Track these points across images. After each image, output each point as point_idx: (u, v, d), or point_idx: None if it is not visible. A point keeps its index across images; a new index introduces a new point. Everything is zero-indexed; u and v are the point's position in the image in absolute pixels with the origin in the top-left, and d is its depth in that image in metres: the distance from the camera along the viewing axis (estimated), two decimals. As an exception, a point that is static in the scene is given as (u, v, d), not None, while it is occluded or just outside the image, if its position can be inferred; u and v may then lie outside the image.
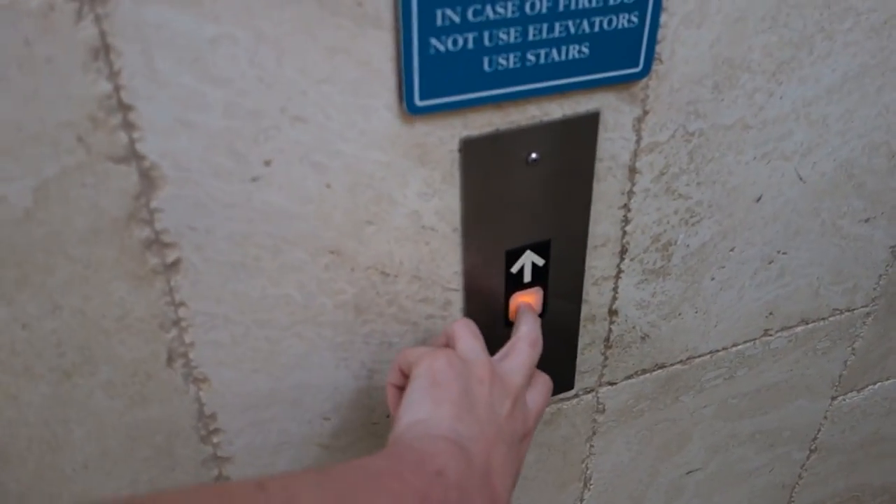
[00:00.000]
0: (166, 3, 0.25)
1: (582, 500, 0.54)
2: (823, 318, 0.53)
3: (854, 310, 0.54)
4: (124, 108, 0.27)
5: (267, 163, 0.30)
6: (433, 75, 0.30)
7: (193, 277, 0.31)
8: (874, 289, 0.53)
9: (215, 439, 0.37)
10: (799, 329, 0.53)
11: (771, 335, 0.52)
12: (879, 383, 0.62)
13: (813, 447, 0.64)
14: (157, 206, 0.29)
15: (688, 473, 0.58)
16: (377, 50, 0.29)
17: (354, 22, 0.28)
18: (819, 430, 0.63)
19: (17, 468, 0.33)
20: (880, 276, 0.53)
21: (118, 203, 0.28)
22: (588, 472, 0.53)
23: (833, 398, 0.61)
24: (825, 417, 0.62)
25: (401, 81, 0.30)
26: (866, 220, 0.48)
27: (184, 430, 0.36)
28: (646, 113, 0.36)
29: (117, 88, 0.26)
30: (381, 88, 0.30)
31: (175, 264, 0.31)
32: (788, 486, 0.66)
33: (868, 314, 0.55)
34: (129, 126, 0.27)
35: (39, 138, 0.26)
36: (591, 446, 0.51)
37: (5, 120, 0.25)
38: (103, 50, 0.25)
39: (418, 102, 0.30)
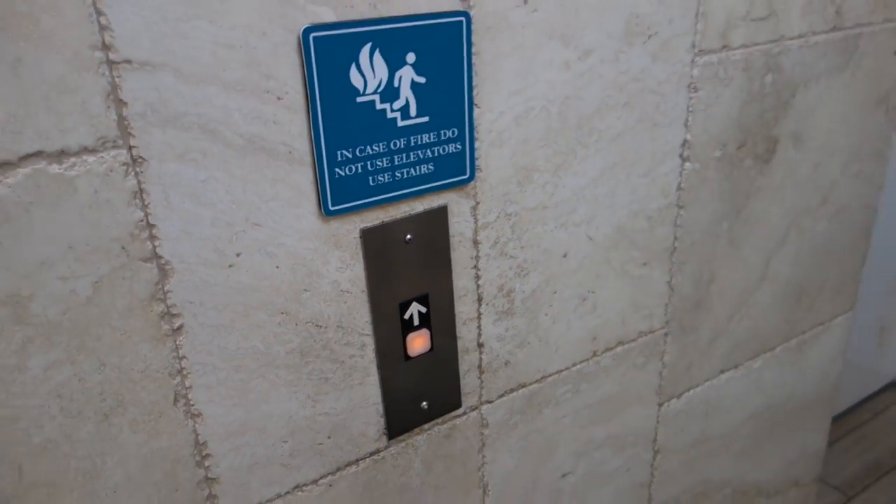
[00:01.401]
0: (176, 162, 0.43)
1: (483, 505, 0.70)
2: (633, 340, 0.73)
3: (654, 331, 0.75)
4: (150, 226, 0.43)
5: (238, 255, 0.47)
6: (338, 190, 0.48)
7: (192, 337, 0.47)
8: (664, 314, 0.75)
9: (207, 463, 0.51)
10: (618, 349, 0.73)
11: (598, 355, 0.71)
12: (692, 390, 0.83)
13: (656, 448, 0.83)
14: (169, 289, 0.45)
15: (562, 476, 0.75)
16: (303, 178, 0.47)
17: (288, 163, 0.46)
18: (656, 433, 0.82)
19: (64, 495, 0.46)
20: (665, 304, 0.74)
21: (144, 288, 0.44)
22: (484, 479, 0.68)
23: (660, 404, 0.80)
24: (658, 422, 0.81)
25: (318, 196, 0.48)
26: (644, 264, 0.70)
27: (184, 456, 0.50)
28: (478, 203, 0.56)
29: (147, 215, 0.43)
30: (306, 202, 0.48)
31: (179, 328, 0.46)
32: (646, 485, 0.84)
33: (666, 334, 0.76)
34: (152, 238, 0.43)
35: (98, 248, 0.42)
36: (483, 456, 0.67)
37: (78, 238, 0.41)
38: (139, 192, 0.42)
39: (331, 208, 0.49)
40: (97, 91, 0.39)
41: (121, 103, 0.40)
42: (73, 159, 0.39)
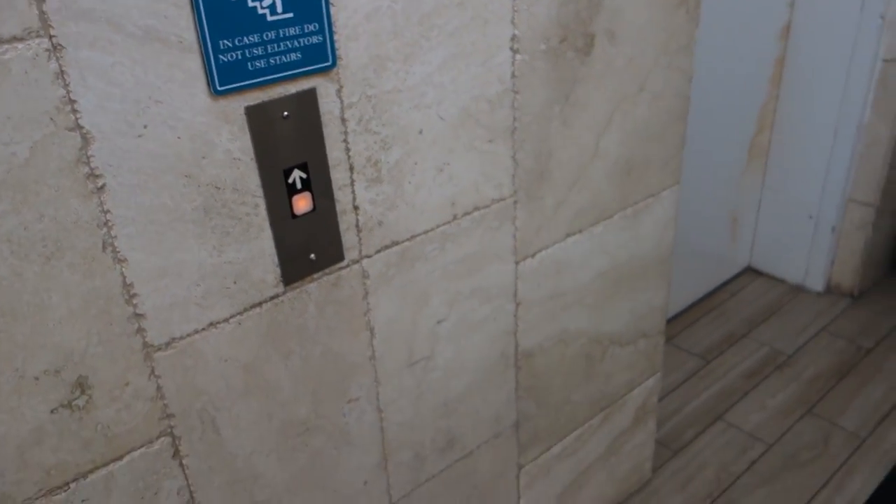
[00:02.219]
0: (88, 49, 0.54)
1: (372, 346, 0.85)
2: (487, 206, 0.90)
3: (505, 199, 0.91)
4: (72, 101, 0.55)
5: (145, 126, 0.59)
6: (223, 74, 0.61)
7: (113, 195, 0.59)
8: (512, 184, 0.91)
9: (134, 301, 0.64)
10: (475, 214, 0.89)
11: (458, 219, 0.87)
12: (544, 251, 1.00)
13: (518, 301, 1.01)
14: (91, 154, 0.57)
15: (438, 323, 0.91)
16: (193, 64, 0.59)
17: (179, 51, 0.58)
18: (516, 288, 0.99)
19: (21, 324, 0.58)
20: (512, 175, 0.90)
21: (71, 153, 0.56)
22: (371, 323, 0.84)
23: (517, 262, 0.97)
24: (517, 277, 0.99)
25: (207, 78, 0.60)
26: (490, 141, 0.86)
27: (115, 294, 0.62)
28: (341, 87, 0.70)
29: (68, 92, 0.54)
30: (198, 83, 0.60)
31: (102, 187, 0.58)
32: (511, 332, 1.02)
33: (515, 201, 0.93)
34: (74, 111, 0.55)
35: (31, 119, 0.53)
36: (368, 303, 0.82)
37: (15, 110, 0.52)
38: (61, 73, 0.53)
39: (218, 88, 0.61)
40: (19, -12, 0.50)
41: (41, 1, 0.51)
42: (5, 46, 0.50)
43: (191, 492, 0.74)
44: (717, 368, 1.75)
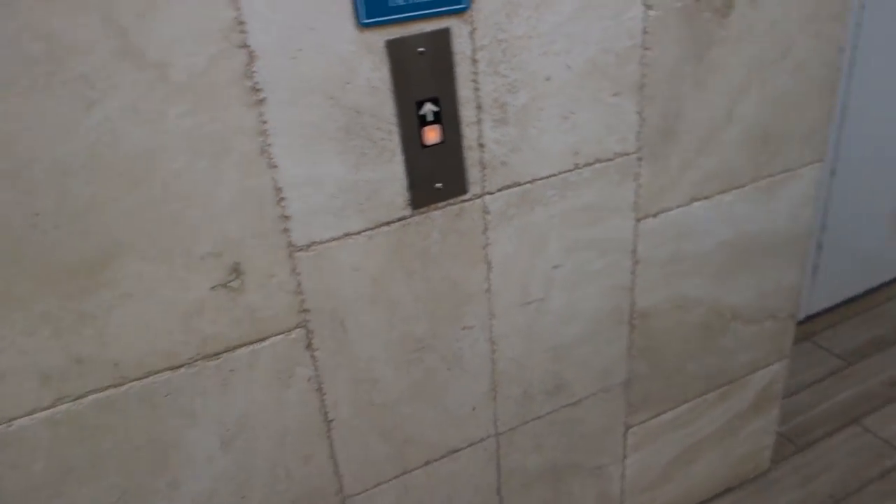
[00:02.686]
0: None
1: (489, 279, 0.92)
2: (610, 159, 0.93)
3: (628, 154, 0.94)
4: (241, 23, 0.66)
5: (299, 49, 0.69)
6: (369, 7, 0.70)
7: (270, 108, 0.70)
8: (636, 140, 0.94)
9: (283, 203, 0.74)
10: (597, 165, 0.92)
11: (580, 168, 0.91)
12: (666, 213, 1.02)
13: (635, 259, 1.03)
14: (255, 70, 0.68)
15: (553, 268, 0.96)
16: (344, 1, 0.69)
17: (335, -15, 0.68)
18: (635, 245, 1.02)
19: (191, 208, 0.70)
20: (637, 131, 0.93)
21: (239, 67, 0.67)
22: (488, 257, 0.90)
23: (637, 220, 1.00)
24: (636, 235, 1.01)
25: (355, 10, 0.70)
26: (615, 94, 0.89)
27: (268, 195, 0.73)
28: (474, 29, 0.77)
29: (239, 14, 0.65)
30: (347, 15, 0.69)
31: (263, 100, 0.69)
32: (627, 289, 1.05)
33: (639, 158, 0.95)
34: (243, 32, 0.66)
35: (210, 35, 0.65)
36: (487, 237, 0.89)
37: (197, 26, 0.64)
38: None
39: (364, 20, 0.70)
40: (212, -76, 0.61)
41: (226, -66, 0.62)
42: (197, -28, 0.62)
43: (319, 382, 0.85)
44: (859, 372, 1.65)
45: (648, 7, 0.86)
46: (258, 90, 0.68)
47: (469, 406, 0.99)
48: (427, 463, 0.99)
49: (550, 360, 1.02)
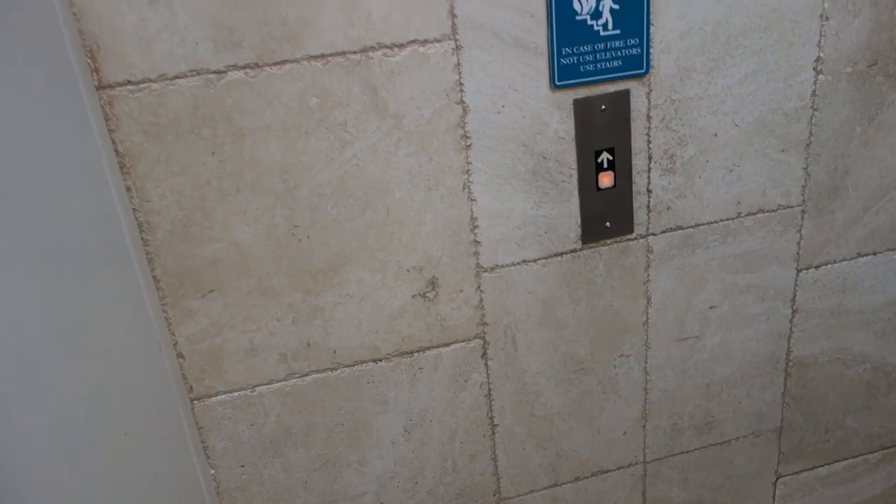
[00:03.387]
0: (477, 49, 0.81)
1: (647, 313, 1.01)
2: (773, 210, 1.00)
3: (792, 207, 1.00)
4: (461, 84, 0.82)
5: (503, 106, 0.84)
6: (562, 72, 0.84)
7: (475, 152, 0.85)
8: (801, 193, 1.00)
9: (476, 231, 0.89)
10: (759, 215, 0.99)
11: (742, 217, 0.99)
12: (829, 265, 1.06)
13: (795, 307, 1.07)
14: (466, 122, 0.84)
15: (710, 308, 1.03)
16: (542, 64, 0.83)
17: (534, 54, 0.82)
18: (795, 294, 1.06)
19: (405, 230, 0.87)
20: (802, 185, 0.99)
21: (455, 119, 0.83)
22: (648, 292, 1.00)
23: (798, 270, 1.05)
24: (797, 284, 1.06)
25: (550, 75, 0.84)
26: (782, 151, 0.96)
27: (465, 224, 0.88)
28: (650, 90, 0.88)
29: (460, 77, 0.81)
30: (543, 78, 0.84)
31: (469, 146, 0.85)
32: (784, 336, 1.09)
33: (803, 211, 1.01)
34: (462, 91, 0.82)
35: (436, 93, 0.81)
36: (648, 274, 0.99)
37: (427, 86, 0.81)
38: (457, 65, 0.81)
39: (556, 83, 0.84)
40: (444, 8, 0.78)
41: (453, 16, 0.78)
42: (429, 44, 0.79)
43: (489, 389, 0.98)
44: None
45: (818, 72, 0.93)
46: (468, 137, 0.84)
47: (620, 430, 1.07)
48: (577, 479, 1.09)
49: (702, 397, 1.09)
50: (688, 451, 1.12)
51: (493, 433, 1.01)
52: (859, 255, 1.06)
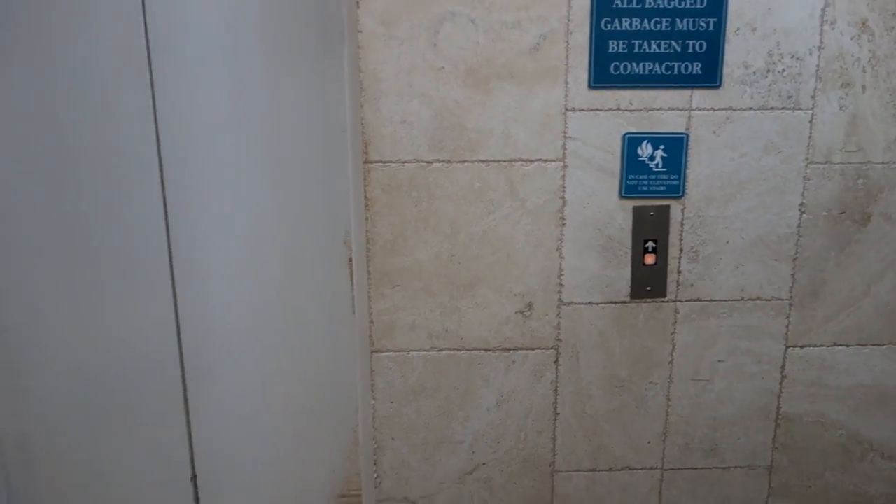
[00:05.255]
0: (577, 168, 1.37)
1: (672, 355, 1.49)
2: (768, 300, 1.46)
3: (782, 300, 1.46)
4: (563, 191, 1.38)
5: (588, 204, 1.39)
6: (627, 189, 1.38)
7: (566, 228, 1.40)
8: (789, 291, 1.46)
9: (561, 277, 1.43)
10: (757, 301, 1.47)
11: (745, 300, 1.46)
12: (810, 347, 1.49)
13: (784, 373, 1.51)
14: (566, 209, 1.39)
15: (718, 361, 1.49)
16: (614, 181, 1.38)
17: (610, 175, 1.38)
18: (784, 363, 1.50)
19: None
20: (790, 286, 1.46)
21: (555, 209, 1.39)
22: (674, 341, 1.48)
23: (786, 346, 1.49)
24: (785, 357, 1.50)
25: (619, 189, 1.38)
26: (775, 260, 1.44)
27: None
28: (684, 207, 1.41)
29: (563, 186, 1.38)
30: (613, 190, 1.39)
31: (564, 223, 1.40)
32: (775, 394, 1.52)
33: (790, 304, 1.47)
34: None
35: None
36: (674, 328, 1.47)
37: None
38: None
39: (623, 194, 1.39)
40: (559, 143, 1.36)
41: (564, 148, 1.36)
42: (550, 162, 1.37)
43: (556, 386, 1.49)
44: None
45: (802, 212, 1.42)
46: (563, 219, 1.40)
47: (646, 439, 1.53)
48: (610, 469, 1.55)
49: (709, 427, 1.53)
50: (696, 468, 1.55)
51: (555, 419, 1.51)
52: (835, 344, 1.49)
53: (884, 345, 1.49)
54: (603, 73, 1.33)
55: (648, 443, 1.53)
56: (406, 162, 1.35)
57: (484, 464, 1.51)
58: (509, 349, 1.46)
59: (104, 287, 1.74)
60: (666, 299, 1.45)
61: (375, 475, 1.49)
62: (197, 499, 1.87)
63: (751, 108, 1.36)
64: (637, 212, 1.40)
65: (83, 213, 1.68)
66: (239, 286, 1.73)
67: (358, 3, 1.27)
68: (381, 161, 1.35)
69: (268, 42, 1.59)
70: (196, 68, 1.60)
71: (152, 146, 1.62)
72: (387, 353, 1.45)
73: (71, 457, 1.83)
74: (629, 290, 1.44)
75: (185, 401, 1.78)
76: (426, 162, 1.35)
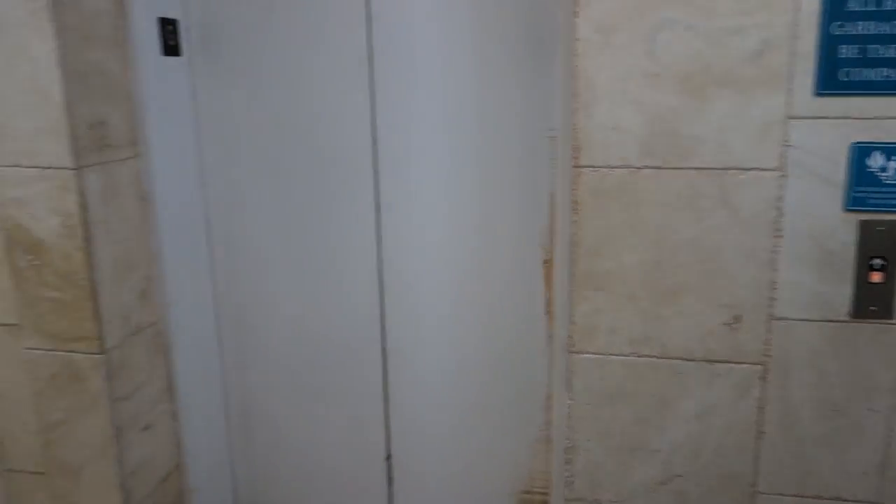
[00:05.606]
0: None
1: (897, 382, 1.38)
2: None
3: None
4: (780, 205, 1.34)
5: (806, 214, 1.33)
6: (854, 202, 1.31)
7: (785, 240, 1.35)
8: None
9: (774, 290, 1.38)
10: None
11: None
12: None
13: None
14: (783, 220, 1.35)
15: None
16: (839, 193, 1.31)
17: (833, 188, 1.31)
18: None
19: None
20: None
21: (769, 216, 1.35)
22: (900, 367, 1.37)
23: None
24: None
25: (844, 201, 1.31)
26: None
27: (766, 284, 1.38)
28: (920, 223, 1.31)
29: (780, 196, 1.33)
30: (838, 202, 1.31)
31: (781, 236, 1.35)
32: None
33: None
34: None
35: (764, 200, 1.34)
36: None
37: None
38: (781, 186, 1.33)
39: (848, 208, 1.31)
40: (778, 153, 1.32)
41: (783, 157, 1.32)
42: (766, 171, 1.33)
43: (761, 404, 1.43)
44: None
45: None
46: (779, 230, 1.35)
47: (862, 469, 1.43)
48: (818, 496, 1.46)
49: None
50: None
51: (760, 438, 1.45)
52: None
53: None
54: (831, 80, 1.28)
55: (864, 473, 1.43)
56: (616, 167, 1.38)
57: (679, 476, 1.49)
58: (713, 361, 1.43)
59: (321, 274, 1.93)
60: (893, 321, 1.35)
61: (568, 474, 1.52)
62: (390, 478, 2.02)
63: None
64: (864, 226, 1.32)
65: (306, 206, 1.89)
66: (439, 279, 1.85)
67: (577, 11, 1.32)
68: (591, 166, 1.38)
69: (480, 49, 1.70)
70: (413, 74, 1.74)
71: (368, 148, 1.80)
72: (586, 355, 1.48)
73: (283, 426, 2.05)
74: (849, 308, 1.36)
75: (385, 384, 1.93)
76: (636, 168, 1.37)
